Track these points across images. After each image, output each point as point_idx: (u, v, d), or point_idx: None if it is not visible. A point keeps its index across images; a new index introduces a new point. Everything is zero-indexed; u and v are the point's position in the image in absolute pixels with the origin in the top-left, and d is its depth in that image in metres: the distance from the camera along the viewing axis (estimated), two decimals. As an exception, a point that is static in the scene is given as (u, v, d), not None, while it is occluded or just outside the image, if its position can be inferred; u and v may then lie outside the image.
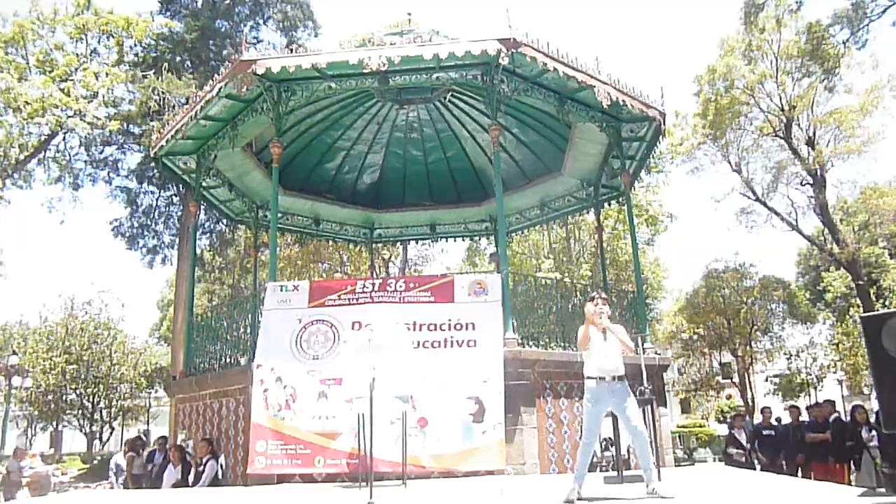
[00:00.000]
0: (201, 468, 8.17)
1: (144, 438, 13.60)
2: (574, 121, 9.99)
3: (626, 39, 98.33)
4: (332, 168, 12.83)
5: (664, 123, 9.98)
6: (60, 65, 19.84)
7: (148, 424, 33.40)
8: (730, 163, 23.37)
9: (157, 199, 22.61)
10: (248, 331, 8.80)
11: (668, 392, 18.70)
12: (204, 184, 11.03)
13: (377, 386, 5.90)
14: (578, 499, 5.04)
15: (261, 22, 23.34)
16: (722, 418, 32.91)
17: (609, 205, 14.19)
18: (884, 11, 19.76)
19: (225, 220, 18.70)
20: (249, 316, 8.91)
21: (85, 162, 21.96)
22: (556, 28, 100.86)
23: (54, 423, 29.84)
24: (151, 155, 10.94)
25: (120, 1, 22.23)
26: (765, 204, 23.44)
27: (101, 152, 22.03)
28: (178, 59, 20.83)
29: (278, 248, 14.96)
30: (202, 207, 12.50)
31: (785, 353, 28.50)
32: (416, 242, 16.61)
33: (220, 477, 8.08)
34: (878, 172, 36.48)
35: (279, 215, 11.05)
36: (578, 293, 9.37)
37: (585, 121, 9.73)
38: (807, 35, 20.95)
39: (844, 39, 20.81)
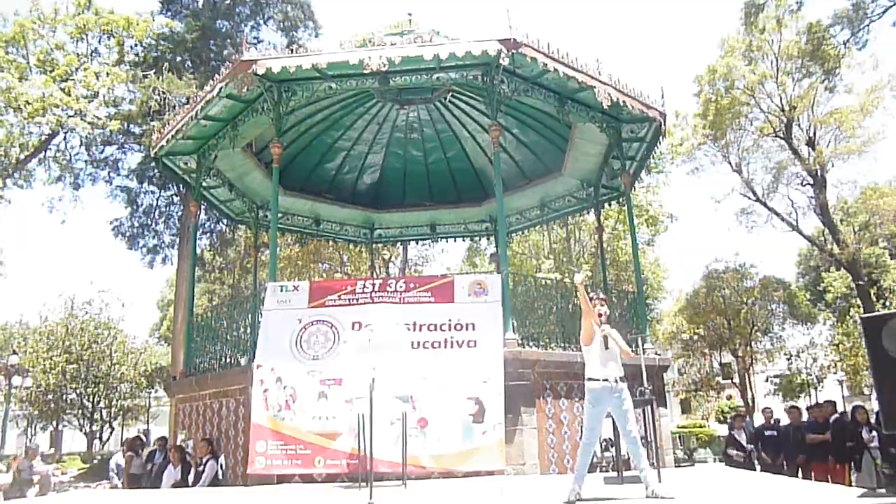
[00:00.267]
0: (201, 468, 8.17)
1: (144, 438, 13.60)
2: (574, 121, 9.99)
3: (626, 39, 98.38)
4: (333, 168, 12.83)
5: (664, 124, 9.98)
6: (61, 64, 19.83)
7: (148, 424, 33.39)
8: (730, 163, 23.37)
9: (157, 199, 22.62)
10: (248, 331, 8.80)
11: (668, 392, 18.71)
12: (204, 184, 11.03)
13: (377, 386, 5.90)
14: (578, 499, 5.04)
15: (261, 22, 23.35)
16: (722, 419, 32.86)
17: (609, 205, 14.19)
18: (884, 12, 19.77)
19: (225, 220, 18.69)
20: (249, 316, 8.91)
21: (85, 162, 21.97)
22: (556, 28, 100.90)
23: (54, 423, 29.82)
24: (152, 155, 10.94)
25: (120, 1, 22.27)
26: (765, 204, 23.44)
27: (101, 152, 22.04)
28: (178, 59, 20.83)
29: (278, 249, 14.97)
30: (202, 207, 12.51)
31: (785, 354, 28.48)
32: (417, 243, 16.63)
33: (220, 477, 8.08)
34: (879, 172, 36.45)
35: (279, 215, 11.06)
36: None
37: (585, 121, 9.73)
38: (807, 35, 20.95)
39: (845, 40, 20.82)
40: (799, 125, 22.24)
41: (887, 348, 4.53)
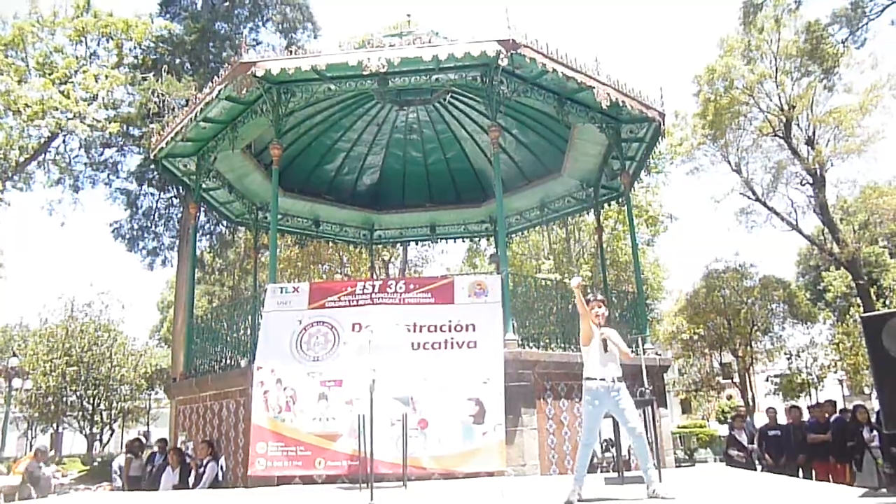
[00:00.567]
0: (202, 470, 8.16)
1: (144, 440, 13.60)
2: (574, 121, 9.99)
3: (626, 40, 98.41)
4: (332, 169, 12.83)
5: (664, 124, 9.98)
6: (60, 67, 19.81)
7: (148, 426, 33.37)
8: (729, 163, 23.37)
9: (157, 201, 22.59)
10: (249, 332, 8.80)
11: (668, 392, 18.69)
12: (204, 185, 11.02)
13: (377, 387, 5.90)
14: (579, 500, 5.03)
15: (260, 24, 23.35)
16: (722, 419, 32.86)
17: (609, 205, 14.20)
18: (882, 10, 19.77)
19: (225, 222, 18.68)
20: (249, 317, 8.91)
21: (85, 164, 21.94)
22: (556, 28, 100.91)
23: (54, 425, 29.77)
24: (151, 157, 10.94)
25: (119, 3, 22.28)
26: (765, 204, 23.45)
27: (100, 154, 22.00)
28: (177, 61, 20.83)
29: (278, 250, 14.95)
30: (202, 209, 12.51)
31: (785, 353, 28.44)
32: (416, 243, 16.62)
33: (220, 479, 8.08)
34: (878, 172, 36.61)
35: (279, 217, 11.05)
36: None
37: (585, 121, 9.73)
38: (806, 34, 20.95)
39: (843, 39, 20.81)
40: (798, 124, 22.26)
41: (888, 347, 4.53)
